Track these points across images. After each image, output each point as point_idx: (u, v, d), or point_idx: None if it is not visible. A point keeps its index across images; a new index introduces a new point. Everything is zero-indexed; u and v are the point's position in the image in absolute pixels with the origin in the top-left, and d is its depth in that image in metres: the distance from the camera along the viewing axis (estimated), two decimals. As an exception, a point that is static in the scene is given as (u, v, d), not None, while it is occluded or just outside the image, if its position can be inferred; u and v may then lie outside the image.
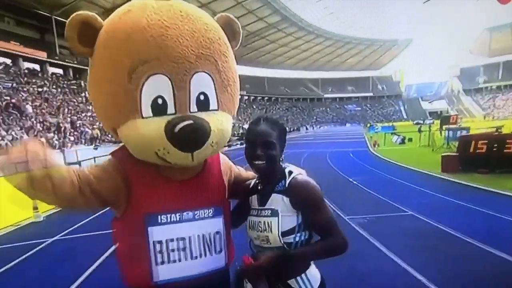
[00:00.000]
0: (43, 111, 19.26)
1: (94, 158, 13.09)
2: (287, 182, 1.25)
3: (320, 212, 1.22)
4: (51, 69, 29.88)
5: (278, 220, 1.21)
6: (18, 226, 6.00)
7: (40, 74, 26.53)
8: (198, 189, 1.25)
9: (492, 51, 72.36)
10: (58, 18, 30.49)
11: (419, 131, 22.00)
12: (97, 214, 6.59)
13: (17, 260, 4.32)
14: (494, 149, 9.22)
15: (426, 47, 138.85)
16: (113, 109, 1.12)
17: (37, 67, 28.24)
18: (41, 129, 16.79)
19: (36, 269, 4.09)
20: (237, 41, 1.33)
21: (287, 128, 1.45)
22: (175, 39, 1.04)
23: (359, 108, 77.04)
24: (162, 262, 1.16)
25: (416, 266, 3.51)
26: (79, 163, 11.20)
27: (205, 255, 1.23)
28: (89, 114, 23.42)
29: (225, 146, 1.42)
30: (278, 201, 1.24)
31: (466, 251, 3.95)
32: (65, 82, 28.10)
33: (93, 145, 16.64)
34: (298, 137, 40.71)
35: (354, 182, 8.93)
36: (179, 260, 1.18)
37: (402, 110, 76.13)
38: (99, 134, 18.93)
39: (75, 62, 32.66)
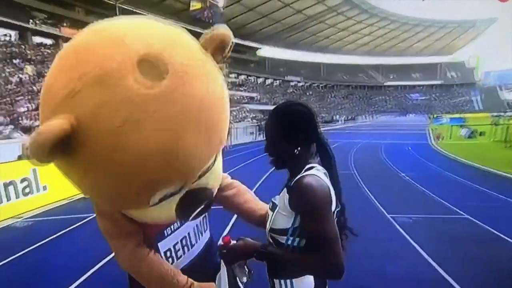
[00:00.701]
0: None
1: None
2: (293, 181, 1.13)
3: (312, 221, 1.06)
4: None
5: (272, 215, 1.17)
6: (70, 200, 6.50)
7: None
8: None
9: None
10: (122, 6, 32.80)
11: (495, 124, 19.75)
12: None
13: (60, 232, 4.70)
14: None
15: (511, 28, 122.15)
16: (109, 204, 1.10)
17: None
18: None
19: (76, 242, 4.39)
20: (227, 52, 1.06)
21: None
22: (190, 148, 0.88)
23: (424, 97, 71.31)
24: (172, 263, 1.28)
25: (459, 277, 3.12)
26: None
27: (199, 238, 1.42)
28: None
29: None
30: (282, 196, 1.17)
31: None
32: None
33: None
34: (354, 126, 39.16)
35: (406, 178, 8.28)
36: (184, 254, 1.34)
37: (475, 100, 68.79)
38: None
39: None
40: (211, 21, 39.15)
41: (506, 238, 4.12)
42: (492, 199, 6.21)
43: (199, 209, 1.10)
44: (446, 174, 8.95)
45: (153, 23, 0.98)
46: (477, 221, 4.76)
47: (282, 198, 1.16)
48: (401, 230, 4.50)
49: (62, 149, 0.77)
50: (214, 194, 1.20)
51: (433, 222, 4.90)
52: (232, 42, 1.03)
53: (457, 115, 43.24)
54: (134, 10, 35.57)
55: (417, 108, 65.69)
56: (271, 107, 1.24)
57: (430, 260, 3.55)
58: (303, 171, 1.14)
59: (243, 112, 35.76)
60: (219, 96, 0.97)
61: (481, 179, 7.98)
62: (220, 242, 1.18)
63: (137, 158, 0.81)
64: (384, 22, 56.38)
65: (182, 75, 0.82)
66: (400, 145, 17.10)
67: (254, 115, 34.30)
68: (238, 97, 40.45)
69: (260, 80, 52.81)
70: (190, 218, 1.14)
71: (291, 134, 1.15)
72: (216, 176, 1.18)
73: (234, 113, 34.00)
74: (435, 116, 42.81)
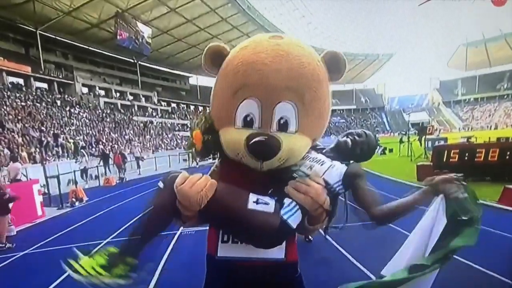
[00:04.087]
0: (26, 125, 18.93)
1: (74, 171, 12.86)
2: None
3: None
4: (37, 84, 29.56)
5: (330, 166, 1.49)
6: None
7: (24, 89, 26.16)
8: None
9: (468, 65, 74.83)
10: (43, 33, 30.38)
11: (401, 141, 22.31)
12: (68, 230, 6.48)
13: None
14: (466, 158, 9.48)
15: (407, 60, 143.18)
16: (219, 115, 1.45)
17: (21, 81, 27.89)
18: (22, 143, 16.47)
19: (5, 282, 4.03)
20: (341, 74, 1.46)
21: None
22: (270, 74, 1.28)
23: (343, 121, 78.02)
24: (227, 241, 1.40)
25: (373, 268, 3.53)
26: (58, 176, 10.81)
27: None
28: (72, 128, 23.13)
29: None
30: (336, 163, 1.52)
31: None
32: (50, 96, 27.77)
33: (75, 158, 16.34)
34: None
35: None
36: (241, 242, 1.38)
37: (385, 122, 77.48)
38: (73, 148, 18.55)
39: (61, 76, 32.33)
40: (137, 50, 38.31)
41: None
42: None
43: (258, 138, 1.28)
44: (364, 187, 9.84)
45: None
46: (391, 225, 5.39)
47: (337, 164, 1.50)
48: (330, 238, 4.88)
49: (219, 61, 1.45)
50: (281, 157, 1.33)
51: (355, 229, 5.40)
52: (344, 64, 1.45)
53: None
54: (56, 37, 33.28)
55: (339, 130, 71.22)
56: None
57: (356, 263, 3.99)
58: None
59: (176, 139, 35.02)
60: (307, 73, 1.34)
61: (391, 188, 8.97)
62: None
63: (244, 62, 1.33)
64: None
65: (290, 43, 1.39)
66: (325, 164, 18.29)
67: (187, 142, 33.81)
68: (170, 125, 39.65)
69: (192, 108, 52.66)
70: (250, 143, 1.28)
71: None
72: (289, 144, 1.34)
73: (166, 141, 33.12)
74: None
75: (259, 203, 1.28)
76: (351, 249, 4.38)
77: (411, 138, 19.02)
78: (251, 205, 1.26)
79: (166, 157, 22.61)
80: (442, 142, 17.50)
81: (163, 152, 27.72)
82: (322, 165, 1.46)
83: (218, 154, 1.55)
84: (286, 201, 1.31)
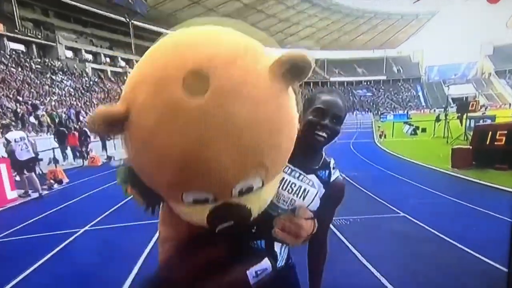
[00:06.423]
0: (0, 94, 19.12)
1: (53, 148, 13.04)
2: (332, 177, 1.46)
3: (333, 213, 1.52)
4: (12, 45, 29.60)
5: (315, 194, 1.39)
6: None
7: (-4, 50, 26.30)
8: None
9: (534, 24, 71.26)
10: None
11: (437, 120, 21.81)
12: (41, 216, 6.62)
13: None
14: (516, 142, 9.02)
15: (453, 21, 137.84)
16: (152, 186, 1.18)
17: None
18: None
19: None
20: (304, 76, 1.13)
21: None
22: (215, 161, 0.98)
23: (370, 94, 76.74)
24: None
25: (396, 280, 3.50)
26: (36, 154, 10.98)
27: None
28: (54, 98, 23.32)
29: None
30: (316, 184, 1.42)
31: (461, 263, 3.86)
32: (28, 60, 27.90)
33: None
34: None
35: (346, 178, 8.89)
36: None
37: (421, 95, 75.91)
38: (49, 121, 18.68)
39: (40, 37, 32.30)
40: (132, 7, 37.83)
41: (438, 233, 4.69)
42: (428, 196, 6.97)
43: (227, 223, 1.18)
44: (385, 173, 9.84)
45: (223, 35, 1.08)
46: (413, 219, 5.34)
47: (317, 187, 1.42)
48: (337, 232, 4.88)
49: (116, 127, 1.01)
50: (253, 217, 1.25)
51: (369, 222, 5.38)
52: (311, 67, 1.08)
53: (401, 112, 47.10)
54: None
55: (364, 105, 70.26)
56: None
57: (365, 262, 3.92)
58: (331, 166, 1.49)
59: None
60: (263, 120, 1.01)
61: (420, 176, 8.88)
62: None
63: (161, 157, 1.00)
64: (326, 12, 59.59)
65: (221, 94, 0.93)
66: (342, 144, 18.37)
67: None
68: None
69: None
70: (216, 230, 1.20)
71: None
72: (260, 200, 1.24)
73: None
74: (380, 114, 46.09)
75: (259, 275, 1.30)
76: (359, 246, 4.37)
77: (449, 116, 18.51)
78: (253, 280, 1.28)
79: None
80: (489, 121, 16.79)
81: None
82: (304, 197, 1.39)
83: None
84: (277, 249, 1.42)
